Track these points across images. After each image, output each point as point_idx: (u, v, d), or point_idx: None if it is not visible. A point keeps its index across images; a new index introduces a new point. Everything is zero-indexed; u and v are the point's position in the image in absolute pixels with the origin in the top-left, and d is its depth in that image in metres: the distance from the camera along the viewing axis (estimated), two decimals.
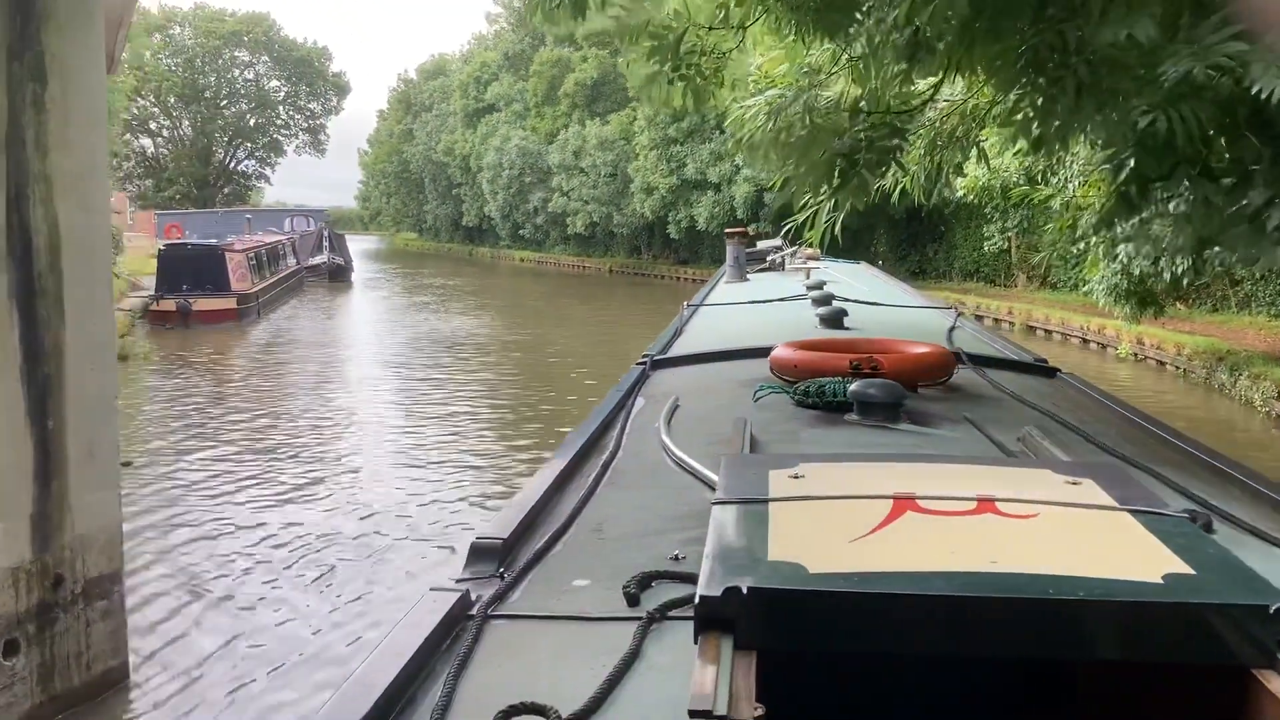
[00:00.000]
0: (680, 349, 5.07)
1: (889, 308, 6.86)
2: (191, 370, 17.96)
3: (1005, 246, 26.09)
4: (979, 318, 24.85)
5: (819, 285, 7.19)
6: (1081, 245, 9.60)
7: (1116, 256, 14.64)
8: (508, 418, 13.97)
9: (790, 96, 3.79)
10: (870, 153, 3.64)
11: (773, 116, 3.76)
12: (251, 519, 9.05)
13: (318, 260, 41.00)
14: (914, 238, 32.48)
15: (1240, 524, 2.20)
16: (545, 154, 48.19)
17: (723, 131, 35.61)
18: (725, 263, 9.71)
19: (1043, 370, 4.61)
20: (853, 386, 3.08)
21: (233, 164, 75.51)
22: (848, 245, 21.52)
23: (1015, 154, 14.45)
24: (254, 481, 10.30)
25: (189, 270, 24.37)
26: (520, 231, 56.00)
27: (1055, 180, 14.02)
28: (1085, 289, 15.39)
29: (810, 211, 4.88)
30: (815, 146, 3.64)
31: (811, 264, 9.84)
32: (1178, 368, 16.76)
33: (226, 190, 74.34)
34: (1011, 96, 3.96)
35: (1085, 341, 20.32)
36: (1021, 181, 15.60)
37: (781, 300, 6.84)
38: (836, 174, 3.59)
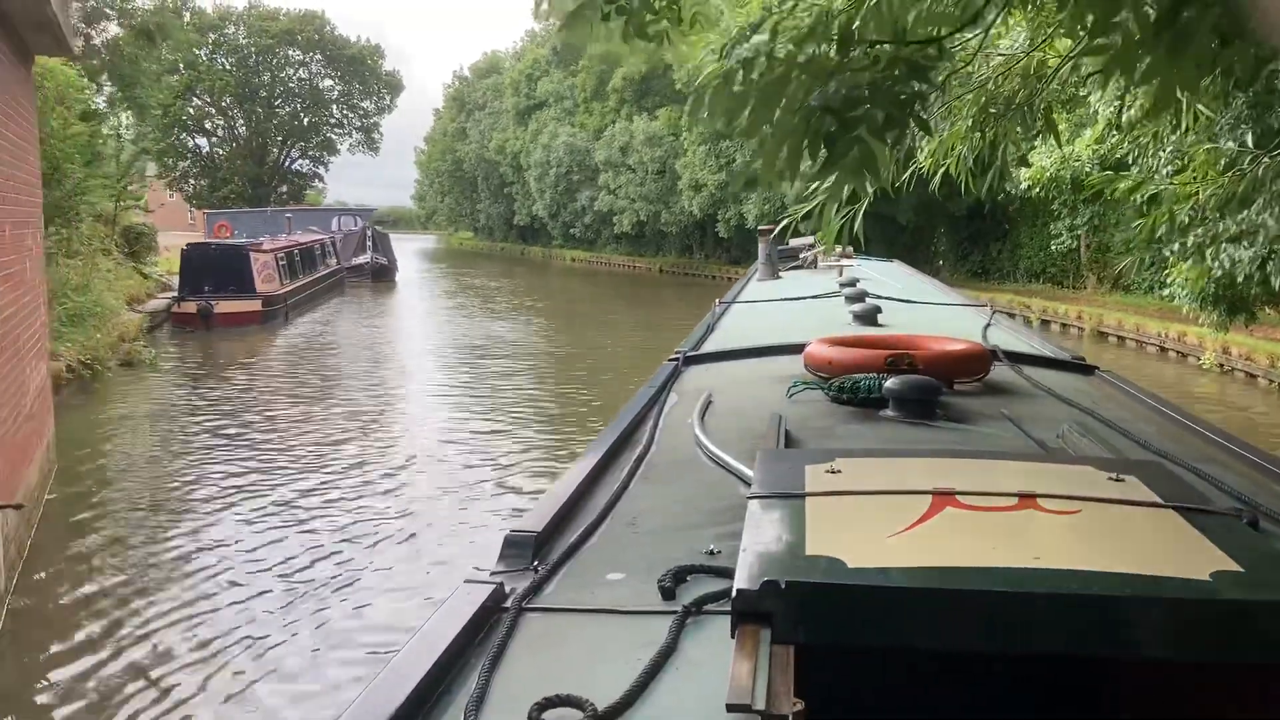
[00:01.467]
0: (713, 345, 5.00)
1: (923, 305, 6.74)
2: (195, 382, 16.97)
3: (1074, 246, 24.31)
4: (1045, 322, 23.21)
5: (852, 283, 7.04)
6: (1168, 244, 8.06)
7: (1205, 255, 13.14)
8: (534, 445, 12.73)
9: (753, 25, 2.49)
10: (877, 105, 2.25)
11: (726, 54, 2.47)
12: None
13: (360, 260, 40.27)
14: (976, 236, 30.72)
15: None
16: (593, 151, 46.98)
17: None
18: (757, 260, 9.58)
19: (1081, 368, 4.44)
20: (888, 383, 3.04)
21: (287, 163, 75.45)
22: (907, 244, 20.12)
23: (1108, 128, 12.78)
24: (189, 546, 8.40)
25: (212, 271, 23.52)
26: (571, 231, 55.02)
27: (1137, 169, 12.49)
28: (1166, 292, 13.77)
29: (816, 203, 3.59)
30: (781, 95, 2.34)
31: (845, 262, 9.54)
32: (1271, 381, 15.03)
33: (282, 190, 74.34)
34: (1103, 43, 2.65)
35: (1163, 350, 18.58)
36: (1095, 171, 14.07)
37: (815, 298, 6.72)
38: (821, 141, 2.30)
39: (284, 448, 11.78)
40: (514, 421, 13.44)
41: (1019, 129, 4.49)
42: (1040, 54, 4.30)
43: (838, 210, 3.58)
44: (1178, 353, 18.01)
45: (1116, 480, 1.92)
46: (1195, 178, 6.60)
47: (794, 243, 11.44)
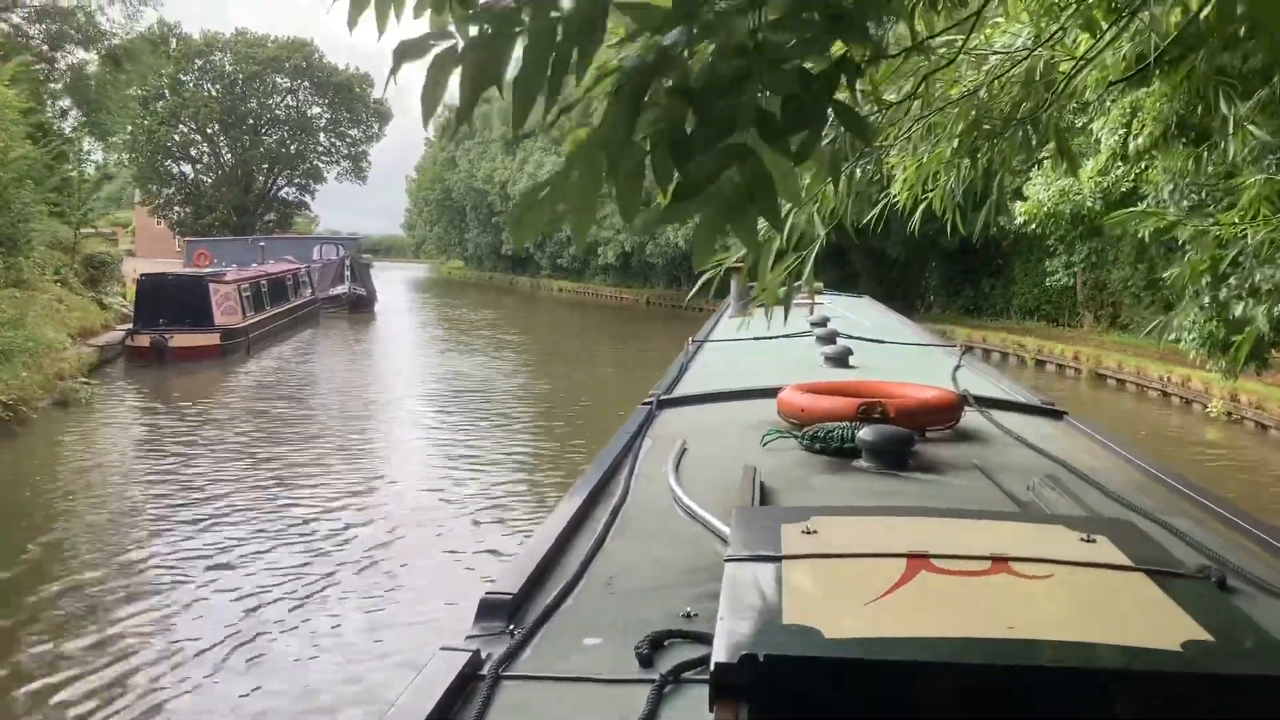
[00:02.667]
0: (687, 388, 4.97)
1: (894, 345, 6.76)
2: (134, 425, 15.85)
3: (1070, 283, 23.33)
4: (1040, 363, 22.19)
5: (823, 322, 7.12)
6: (1209, 294, 7.06)
7: (1216, 297, 12.14)
8: (494, 503, 11.63)
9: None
10: (771, 84, 1.31)
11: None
12: None
13: (338, 291, 39.18)
14: (968, 272, 29.76)
15: (1255, 580, 2.10)
16: None
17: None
18: (729, 296, 9.45)
19: (1050, 413, 4.41)
20: (861, 432, 3.04)
21: (273, 191, 74.53)
22: (897, 279, 19.55)
23: (1112, 158, 11.80)
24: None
25: (169, 302, 22.39)
26: (558, 261, 53.98)
27: (1145, 203, 11.51)
28: (1173, 335, 12.80)
29: (716, 262, 3.17)
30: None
31: (816, 299, 9.52)
32: None
33: (267, 218, 73.39)
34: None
35: (1165, 395, 17.54)
36: (1098, 205, 13.06)
37: (786, 337, 6.60)
38: (670, 153, 1.31)
39: (219, 512, 10.65)
40: (479, 474, 12.34)
41: (1021, 153, 3.45)
42: (1048, 53, 3.28)
43: (768, 259, 2.59)
44: (1182, 399, 16.99)
45: (1088, 541, 1.93)
46: (1245, 215, 5.56)
47: None
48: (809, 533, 1.97)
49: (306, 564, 8.68)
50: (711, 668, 1.45)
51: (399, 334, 33.09)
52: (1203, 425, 15.52)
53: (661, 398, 4.54)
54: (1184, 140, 12.03)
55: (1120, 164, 12.20)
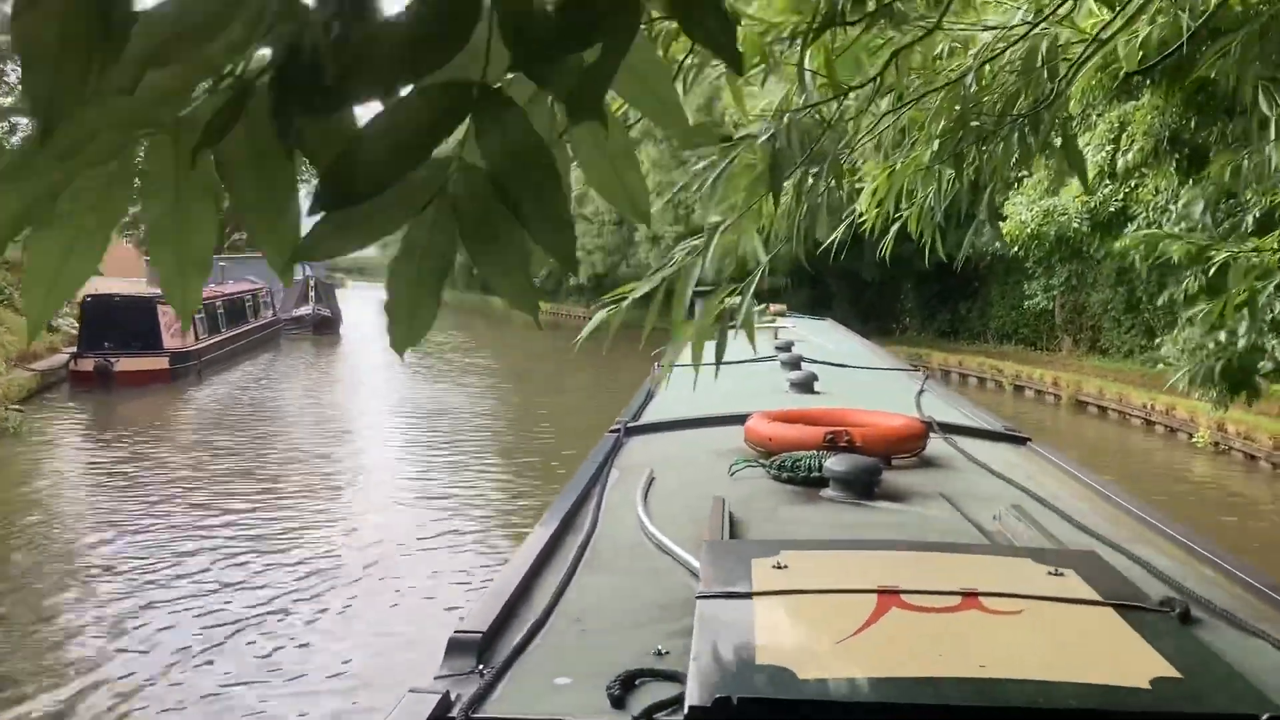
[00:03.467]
0: (653, 415, 4.94)
1: (858, 369, 6.80)
2: (70, 456, 14.94)
3: (1049, 306, 22.75)
4: (1019, 388, 21.58)
5: (787, 346, 7.14)
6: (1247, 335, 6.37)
7: (1235, 331, 11.47)
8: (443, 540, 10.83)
9: None
10: None
11: None
12: None
13: (302, 312, 38.30)
14: (945, 294, 29.18)
15: (1217, 611, 2.10)
16: None
17: None
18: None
19: (1013, 439, 4.39)
20: (828, 462, 3.03)
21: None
22: (871, 301, 19.30)
23: (1100, 176, 11.08)
24: None
25: (116, 325, 21.47)
26: (533, 281, 53.19)
27: (1136, 225, 10.89)
28: (1160, 365, 12.15)
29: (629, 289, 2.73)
30: None
31: (780, 321, 9.49)
32: (1276, 466, 13.39)
33: (234, 236, 72.26)
34: None
35: (1149, 423, 16.91)
36: (1083, 226, 12.40)
37: (752, 361, 6.59)
38: None
39: (147, 555, 9.79)
40: (435, 514, 11.53)
41: (1015, 158, 2.72)
42: (1053, 31, 2.56)
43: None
44: (1166, 427, 16.36)
45: (1055, 574, 1.95)
46: None
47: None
48: (780, 567, 1.99)
49: (244, 617, 7.85)
50: (685, 710, 1.47)
51: (361, 357, 32.21)
52: (1189, 457, 14.89)
53: (628, 425, 4.49)
54: (1177, 157, 11.43)
55: (1109, 182, 11.55)
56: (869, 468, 3.00)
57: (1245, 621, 2.06)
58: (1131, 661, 1.58)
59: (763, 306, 10.80)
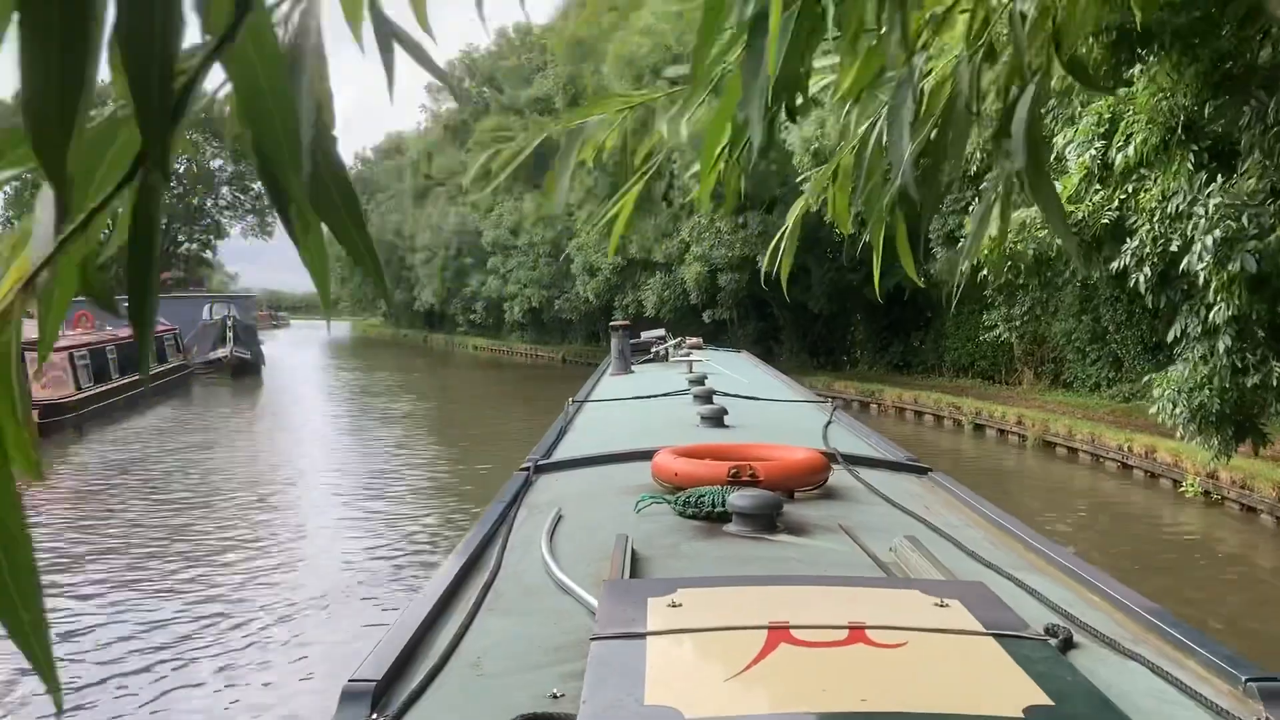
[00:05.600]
0: (564, 452, 4.85)
1: (768, 402, 6.67)
2: None
3: (1008, 337, 21.12)
4: (979, 427, 19.89)
5: (701, 379, 7.22)
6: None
7: (1211, 361, 9.76)
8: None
9: None
10: None
11: None
12: None
13: (218, 355, 35.97)
14: (896, 325, 27.58)
15: (1100, 637, 2.16)
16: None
17: (669, 204, 30.98)
18: (610, 354, 9.66)
19: (915, 469, 4.39)
20: (731, 497, 3.06)
21: (172, 247, 70.77)
22: (821, 334, 18.55)
23: (1086, 180, 9.27)
24: None
25: None
26: (471, 317, 51.18)
27: (1139, 236, 9.08)
28: (1154, 409, 10.37)
29: None
30: None
31: (695, 354, 9.56)
32: (1278, 517, 11.68)
33: (165, 276, 69.54)
34: None
35: (1125, 467, 15.22)
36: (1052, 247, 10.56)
37: (665, 395, 6.69)
38: None
39: None
40: (326, 611, 9.47)
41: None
42: None
43: None
44: (1146, 472, 14.66)
45: (941, 606, 1.99)
46: None
47: (645, 335, 11.87)
48: (674, 606, 2.02)
49: None
50: None
51: (279, 404, 29.99)
52: (1176, 508, 13.15)
53: (539, 463, 4.43)
54: (1195, 148, 9.67)
55: (1099, 187, 9.72)
56: (770, 502, 3.02)
57: (1125, 646, 2.08)
58: (1007, 691, 1.62)
59: (678, 340, 11.06)
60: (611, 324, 10.11)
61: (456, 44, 56.65)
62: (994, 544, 3.11)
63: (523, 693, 1.92)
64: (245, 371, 36.06)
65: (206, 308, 44.34)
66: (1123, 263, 9.61)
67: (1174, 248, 8.95)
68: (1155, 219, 8.75)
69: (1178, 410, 9.92)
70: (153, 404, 26.22)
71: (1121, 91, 8.93)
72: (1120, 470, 15.31)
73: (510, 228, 39.81)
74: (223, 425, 23.51)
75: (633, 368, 9.34)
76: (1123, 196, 9.32)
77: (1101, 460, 15.84)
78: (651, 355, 10.40)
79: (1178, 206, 8.57)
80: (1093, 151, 9.49)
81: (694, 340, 11.13)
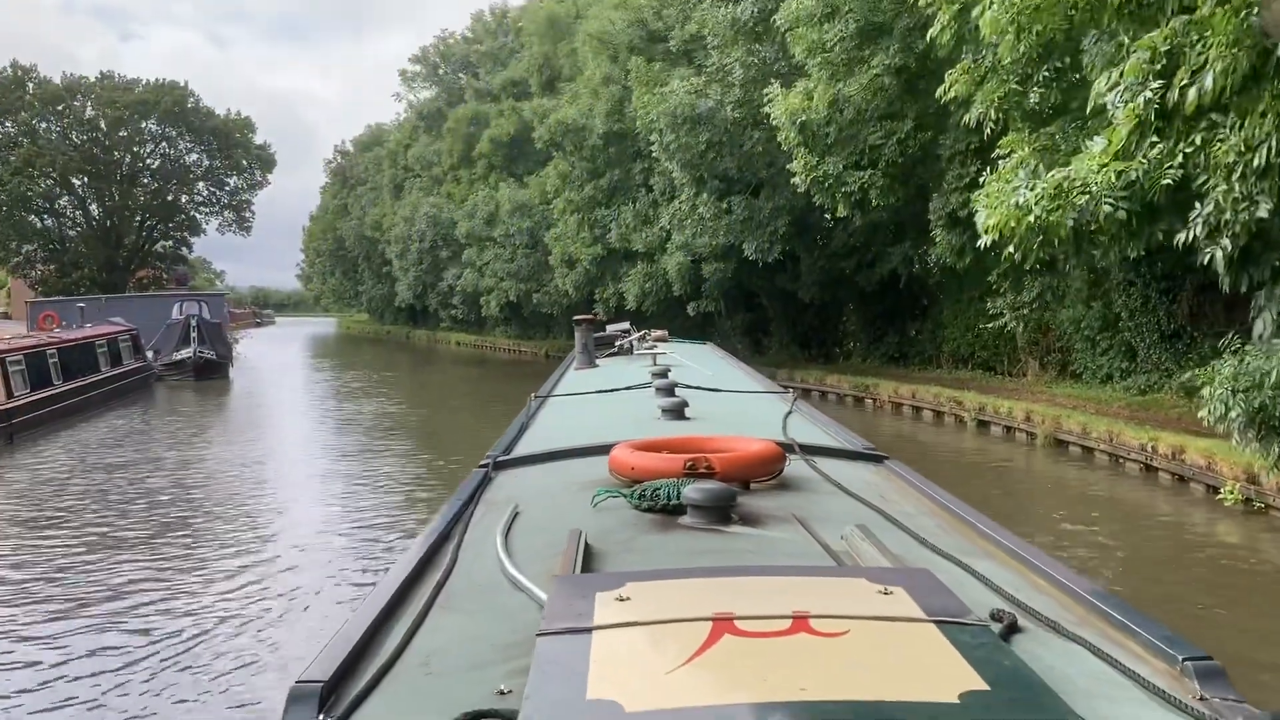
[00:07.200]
0: (524, 448, 4.81)
1: (729, 394, 6.65)
2: None
3: (1013, 325, 19.62)
4: (982, 423, 18.42)
5: (664, 372, 7.11)
6: None
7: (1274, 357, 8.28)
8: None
9: None
10: None
11: None
12: None
13: (182, 356, 34.41)
14: (891, 314, 26.10)
15: (1044, 620, 2.15)
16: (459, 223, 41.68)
17: (650, 189, 29.40)
18: (574, 349, 9.46)
19: (871, 458, 4.40)
20: (687, 490, 3.05)
21: (146, 245, 69.01)
22: (812, 324, 17.01)
23: (1136, 131, 7.67)
24: None
25: None
26: (453, 311, 49.64)
27: (1214, 199, 7.51)
28: (1203, 411, 8.87)
29: None
30: None
31: (659, 347, 9.70)
32: None
33: (140, 274, 67.85)
34: None
35: (1149, 469, 13.75)
36: (1119, 209, 8.92)
37: (628, 389, 6.66)
38: None
39: None
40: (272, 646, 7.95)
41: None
42: None
43: None
44: (1175, 476, 13.18)
45: (885, 593, 1.97)
46: None
47: (610, 329, 11.67)
48: (623, 600, 2.00)
49: None
50: None
51: (244, 408, 28.43)
52: (1212, 517, 11.67)
53: (498, 459, 4.31)
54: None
55: (1156, 139, 8.04)
56: (724, 494, 2.99)
57: (1068, 629, 2.07)
58: (946, 677, 1.61)
59: (642, 333, 10.87)
60: (575, 318, 9.76)
61: (434, 31, 55.04)
62: (945, 530, 3.13)
63: (471, 690, 1.89)
64: (211, 372, 34.54)
65: (176, 306, 42.68)
66: (1191, 234, 8.04)
67: (1262, 213, 7.40)
68: (1235, 176, 7.16)
69: (1233, 414, 8.43)
70: (106, 410, 24.61)
71: (1180, 20, 7.35)
72: (1144, 473, 13.83)
73: (484, 218, 38.16)
74: (172, 437, 21.82)
75: (597, 361, 9.22)
76: (1188, 150, 7.69)
77: (1121, 461, 14.36)
78: (616, 349, 10.25)
79: (1268, 158, 6.97)
80: (1148, 94, 7.82)
81: (659, 333, 11.06)
